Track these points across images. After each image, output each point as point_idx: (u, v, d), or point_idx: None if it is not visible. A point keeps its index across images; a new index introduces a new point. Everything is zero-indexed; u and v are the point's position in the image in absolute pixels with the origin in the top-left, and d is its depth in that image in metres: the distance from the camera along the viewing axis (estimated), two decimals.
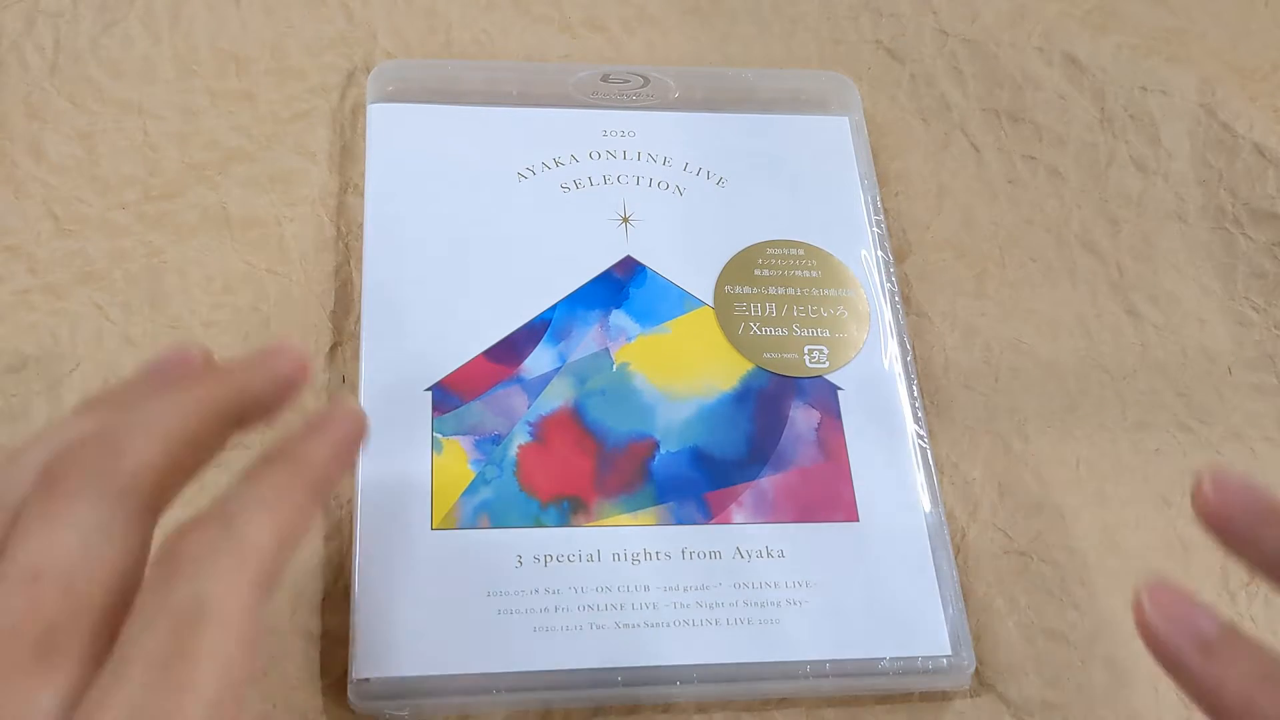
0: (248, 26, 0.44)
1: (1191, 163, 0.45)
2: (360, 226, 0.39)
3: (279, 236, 0.39)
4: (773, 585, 0.34)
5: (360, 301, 0.37)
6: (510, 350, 0.36)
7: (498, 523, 0.33)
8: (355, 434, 0.26)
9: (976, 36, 0.47)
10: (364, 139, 0.41)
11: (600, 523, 0.34)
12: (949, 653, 0.33)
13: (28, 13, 0.42)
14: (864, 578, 0.34)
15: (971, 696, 0.35)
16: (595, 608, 0.32)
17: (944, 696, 0.35)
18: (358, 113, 0.42)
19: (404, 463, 0.34)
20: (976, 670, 0.34)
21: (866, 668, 0.33)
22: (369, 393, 0.35)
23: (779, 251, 0.39)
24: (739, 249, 0.39)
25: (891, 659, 0.33)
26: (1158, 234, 0.44)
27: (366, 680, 0.31)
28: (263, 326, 0.38)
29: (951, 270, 0.42)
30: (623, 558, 0.33)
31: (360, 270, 0.38)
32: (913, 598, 0.34)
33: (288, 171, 0.41)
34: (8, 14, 0.42)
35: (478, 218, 0.38)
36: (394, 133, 0.40)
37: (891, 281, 0.40)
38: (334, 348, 0.38)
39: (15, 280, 0.37)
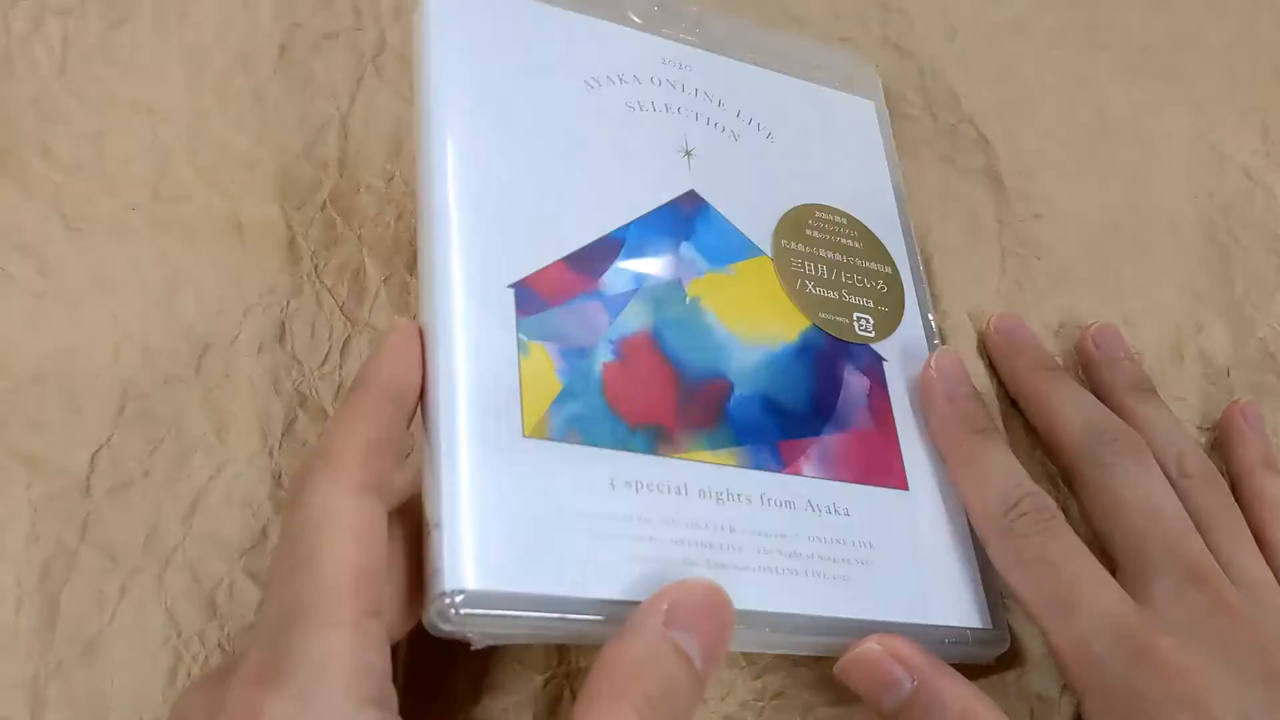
0: (256, 24, 0.41)
1: (1186, 180, 0.46)
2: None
3: (290, 239, 0.38)
4: (840, 543, 0.33)
5: (425, 215, 0.33)
6: (589, 262, 0.33)
7: (589, 440, 0.30)
8: (417, 349, 0.30)
9: (984, 35, 0.47)
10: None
11: (684, 455, 0.31)
12: (990, 626, 0.34)
13: (35, 12, 0.40)
14: (915, 546, 0.34)
15: (1003, 670, 0.35)
16: (687, 543, 0.30)
17: (985, 670, 0.35)
18: (369, 113, 0.41)
19: (491, 362, 0.30)
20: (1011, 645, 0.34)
21: (926, 634, 0.33)
22: (450, 287, 0.30)
23: (826, 216, 0.38)
24: (790, 206, 0.38)
25: (946, 627, 0.33)
26: (1155, 241, 0.44)
27: (459, 592, 0.27)
28: (274, 326, 0.37)
29: (952, 271, 0.42)
30: (708, 495, 0.31)
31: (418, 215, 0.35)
32: (957, 569, 0.34)
33: (298, 175, 0.40)
34: (15, 11, 0.40)
35: (546, 120, 0.35)
36: (454, 23, 0.35)
37: (920, 265, 0.40)
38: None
39: (27, 282, 0.36)
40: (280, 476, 0.36)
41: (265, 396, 0.36)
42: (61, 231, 0.37)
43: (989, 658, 0.34)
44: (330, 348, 0.38)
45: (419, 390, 0.29)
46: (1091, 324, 0.41)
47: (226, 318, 0.37)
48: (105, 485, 0.34)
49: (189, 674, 0.33)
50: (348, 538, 0.26)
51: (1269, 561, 0.35)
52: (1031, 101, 0.46)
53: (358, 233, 0.39)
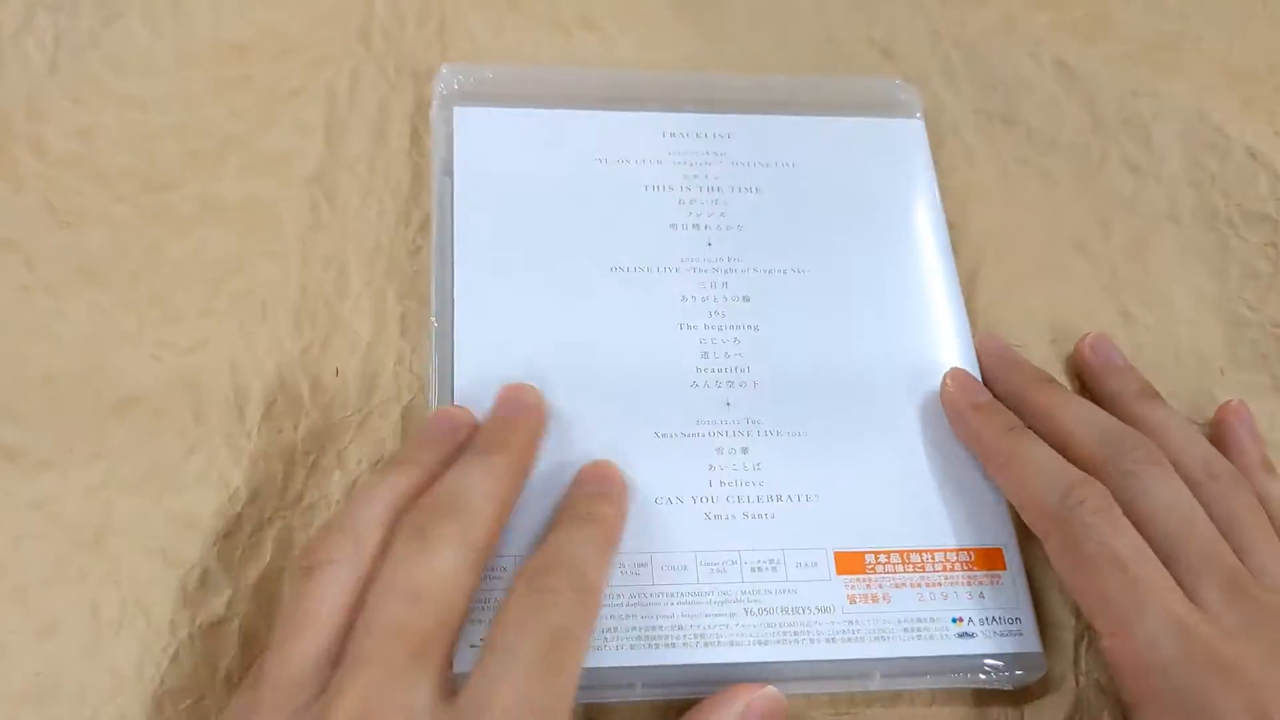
0: (250, 14, 0.43)
1: (1183, 165, 0.45)
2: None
3: (276, 218, 0.39)
4: None
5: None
6: None
7: None
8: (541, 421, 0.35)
9: (969, 38, 0.47)
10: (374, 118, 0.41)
11: None
12: None
13: (26, 8, 0.42)
14: None
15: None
16: None
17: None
18: (355, 85, 0.42)
19: None
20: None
21: None
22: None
23: None
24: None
25: None
26: (1150, 235, 0.43)
27: None
28: (259, 313, 0.38)
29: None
30: None
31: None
32: None
33: (284, 152, 0.40)
34: (6, 8, 0.42)
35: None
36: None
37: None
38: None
39: (14, 276, 0.37)
40: (257, 460, 0.36)
41: (244, 375, 0.37)
42: (49, 224, 0.38)
43: None
44: (313, 340, 0.38)
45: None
46: (1086, 334, 0.40)
47: (210, 299, 0.37)
48: (98, 482, 0.34)
49: (158, 666, 0.33)
50: (464, 602, 0.30)
51: None
52: (1019, 102, 0.46)
53: (342, 223, 0.40)
